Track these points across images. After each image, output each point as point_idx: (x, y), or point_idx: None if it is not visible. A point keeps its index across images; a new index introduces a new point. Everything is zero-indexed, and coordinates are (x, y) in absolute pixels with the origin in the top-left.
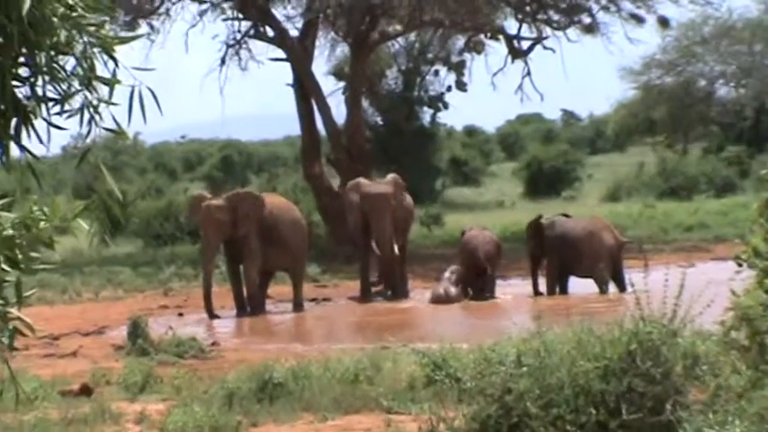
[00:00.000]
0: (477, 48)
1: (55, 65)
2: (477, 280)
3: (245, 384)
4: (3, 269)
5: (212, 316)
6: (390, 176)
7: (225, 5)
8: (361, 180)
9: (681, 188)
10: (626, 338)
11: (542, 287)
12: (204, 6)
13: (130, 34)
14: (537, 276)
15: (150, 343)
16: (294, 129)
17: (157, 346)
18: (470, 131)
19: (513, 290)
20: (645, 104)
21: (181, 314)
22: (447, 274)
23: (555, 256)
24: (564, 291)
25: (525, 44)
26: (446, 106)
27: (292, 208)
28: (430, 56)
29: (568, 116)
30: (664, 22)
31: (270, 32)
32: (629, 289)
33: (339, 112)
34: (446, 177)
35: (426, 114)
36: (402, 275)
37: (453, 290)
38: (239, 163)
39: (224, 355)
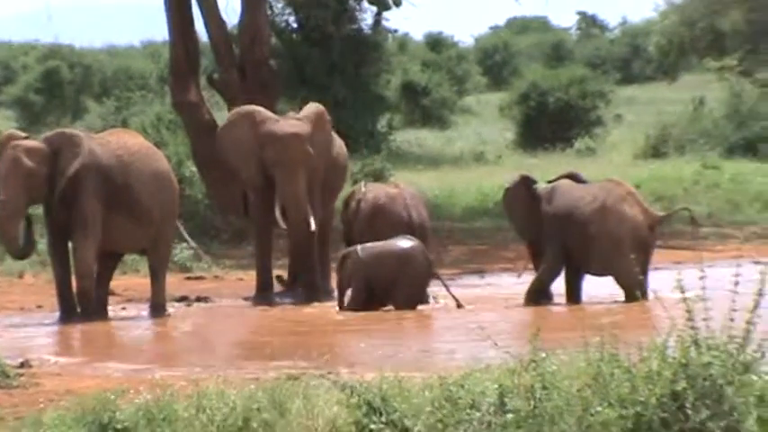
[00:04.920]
0: None
1: None
2: None
3: (70, 431)
4: None
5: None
6: (310, 108)
7: None
8: (259, 110)
9: (761, 140)
10: (670, 372)
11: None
12: None
13: None
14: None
15: None
16: (158, 30)
17: None
18: (435, 43)
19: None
20: (708, 7)
21: None
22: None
23: (555, 241)
24: (576, 297)
25: None
26: (398, 2)
27: (154, 154)
28: None
29: (588, 23)
30: None
31: None
32: (678, 294)
33: (231, 6)
34: (396, 114)
35: (367, 14)
36: (324, 264)
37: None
38: (71, 82)
39: (39, 382)
